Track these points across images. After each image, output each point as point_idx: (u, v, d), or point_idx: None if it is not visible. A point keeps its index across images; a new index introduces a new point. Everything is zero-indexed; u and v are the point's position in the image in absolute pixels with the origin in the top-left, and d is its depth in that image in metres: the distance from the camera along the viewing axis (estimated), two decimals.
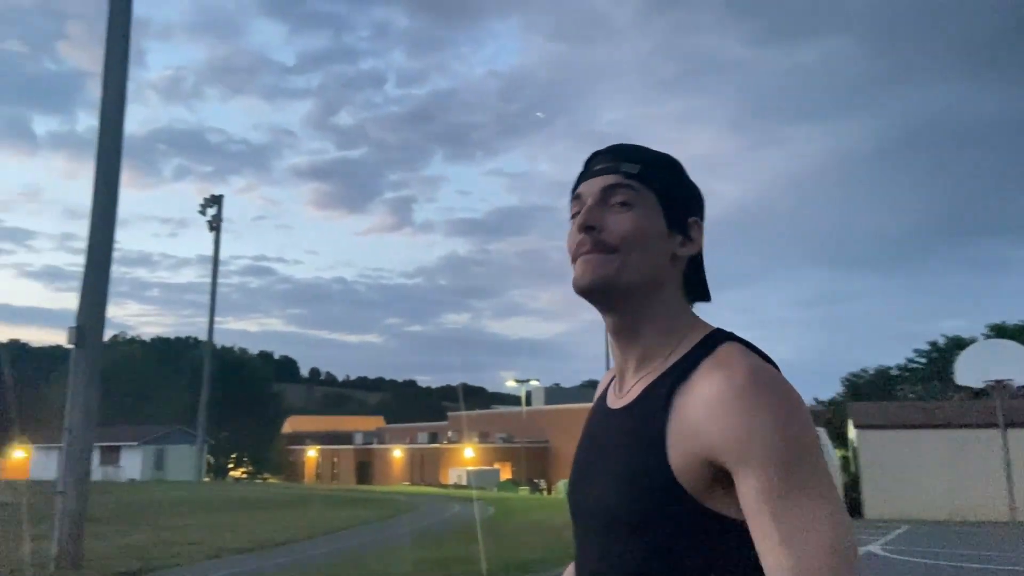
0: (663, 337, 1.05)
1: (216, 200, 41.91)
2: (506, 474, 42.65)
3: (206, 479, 44.51)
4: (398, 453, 51.12)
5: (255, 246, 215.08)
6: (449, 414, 55.90)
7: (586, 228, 1.05)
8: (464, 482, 38.46)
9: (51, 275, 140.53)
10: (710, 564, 0.92)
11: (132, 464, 46.01)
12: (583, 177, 1.12)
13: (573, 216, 1.11)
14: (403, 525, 17.57)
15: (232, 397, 58.27)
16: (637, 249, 1.04)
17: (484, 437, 46.04)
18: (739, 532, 0.90)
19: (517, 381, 48.55)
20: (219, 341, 59.65)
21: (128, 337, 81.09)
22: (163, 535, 14.05)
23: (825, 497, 0.85)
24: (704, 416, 0.91)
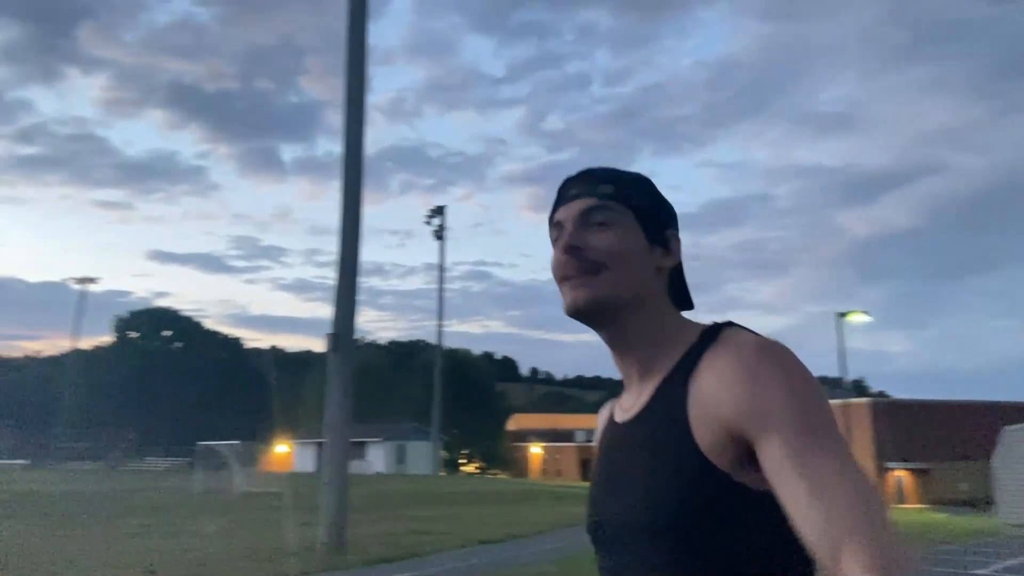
0: (661, 344, 1.07)
1: (439, 211, 44.40)
2: None
3: (441, 473, 47.14)
4: None
5: (474, 252, 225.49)
6: None
7: (570, 249, 1.08)
8: None
9: (301, 287, 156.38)
10: (750, 538, 0.94)
11: (377, 458, 49.84)
12: (559, 204, 1.15)
13: (554, 242, 1.14)
14: None
15: (461, 396, 61.37)
16: (622, 265, 1.07)
17: None
18: (771, 504, 0.90)
19: None
20: (446, 343, 63.11)
21: (367, 341, 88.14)
22: (413, 525, 14.96)
23: (843, 454, 0.87)
24: (722, 392, 0.94)
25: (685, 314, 1.13)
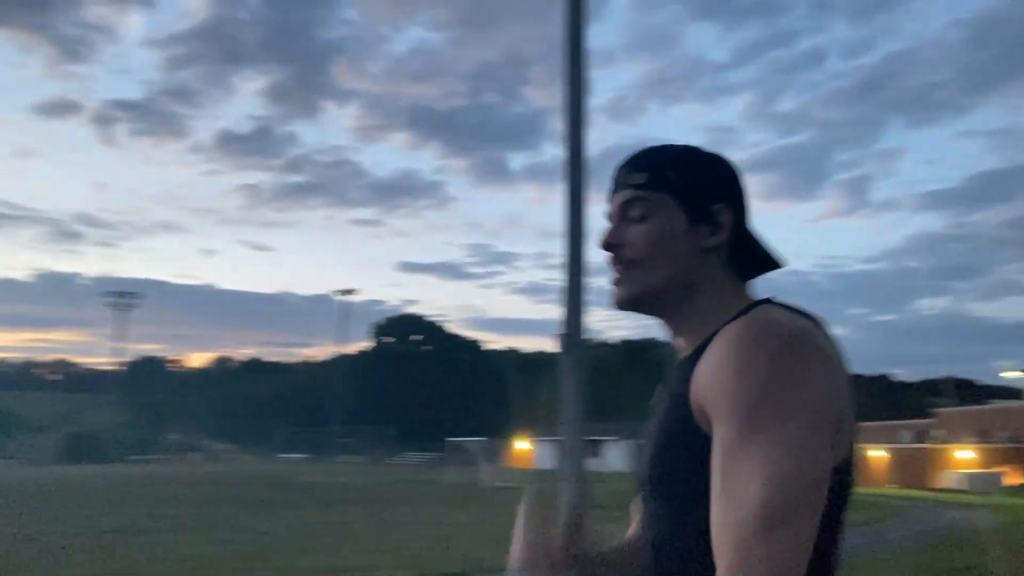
0: (713, 323, 1.02)
1: None
2: (1014, 478, 36.60)
3: None
4: (879, 453, 47.38)
5: None
6: (935, 411, 50.08)
7: (608, 247, 1.12)
8: (960, 486, 34.05)
9: (533, 290, 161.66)
10: None
11: (613, 457, 50.35)
12: (610, 197, 1.17)
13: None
14: (902, 528, 16.20)
15: None
16: (657, 257, 1.08)
17: (983, 436, 40.17)
18: None
19: (1018, 371, 41.34)
20: None
21: (599, 341, 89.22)
22: None
23: (779, 443, 0.84)
24: (703, 376, 0.95)
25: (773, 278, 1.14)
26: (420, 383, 69.87)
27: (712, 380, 0.92)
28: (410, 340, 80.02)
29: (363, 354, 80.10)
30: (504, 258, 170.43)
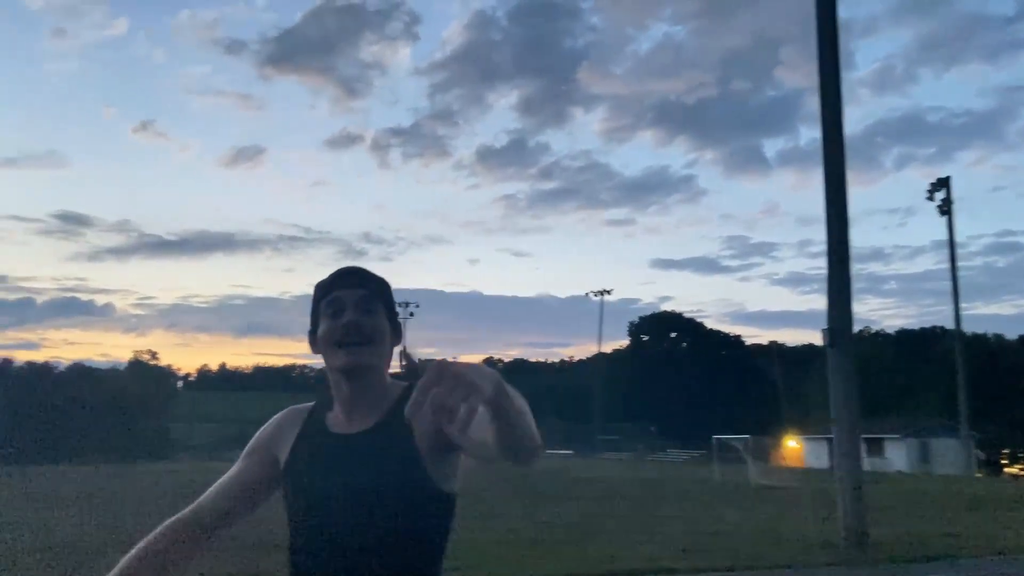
0: (384, 388, 1.58)
1: (943, 183, 39.89)
2: None
3: (978, 474, 41.97)
4: None
5: (995, 222, 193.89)
6: None
7: (352, 324, 1.54)
8: None
9: (795, 280, 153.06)
10: (430, 521, 1.50)
11: (897, 456, 46.44)
12: (340, 285, 1.60)
13: (331, 313, 1.58)
14: None
15: (991, 387, 53.63)
16: (382, 341, 1.57)
17: None
18: (447, 499, 1.52)
19: None
20: (969, 328, 55.77)
21: (873, 332, 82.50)
22: (942, 527, 14.03)
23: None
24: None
25: None
26: (679, 380, 69.37)
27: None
28: (667, 337, 79.70)
29: (621, 352, 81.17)
30: (762, 249, 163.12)
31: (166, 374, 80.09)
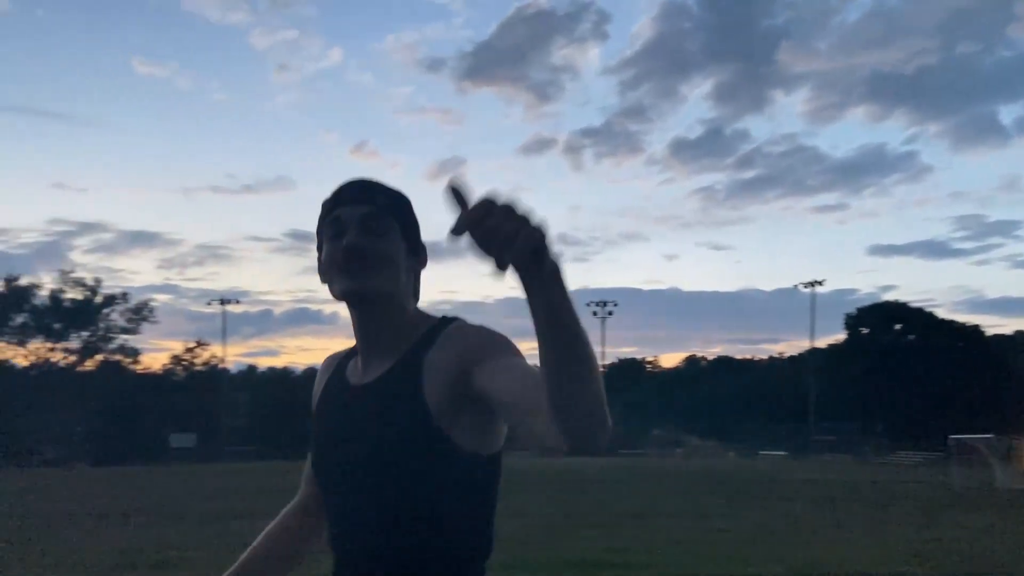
0: (402, 328, 1.34)
1: None
2: None
3: None
4: None
5: None
6: None
7: (354, 247, 1.30)
8: None
9: None
10: (451, 492, 1.25)
11: None
12: (338, 203, 1.36)
13: (332, 236, 1.35)
14: None
15: None
16: (390, 265, 1.33)
17: None
18: (478, 461, 1.27)
19: None
20: None
21: None
22: None
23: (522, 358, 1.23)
24: (452, 355, 1.26)
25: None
26: (906, 376, 63.77)
27: (467, 348, 1.26)
28: (890, 329, 73.65)
29: (836, 347, 76.13)
30: (1002, 228, 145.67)
31: None
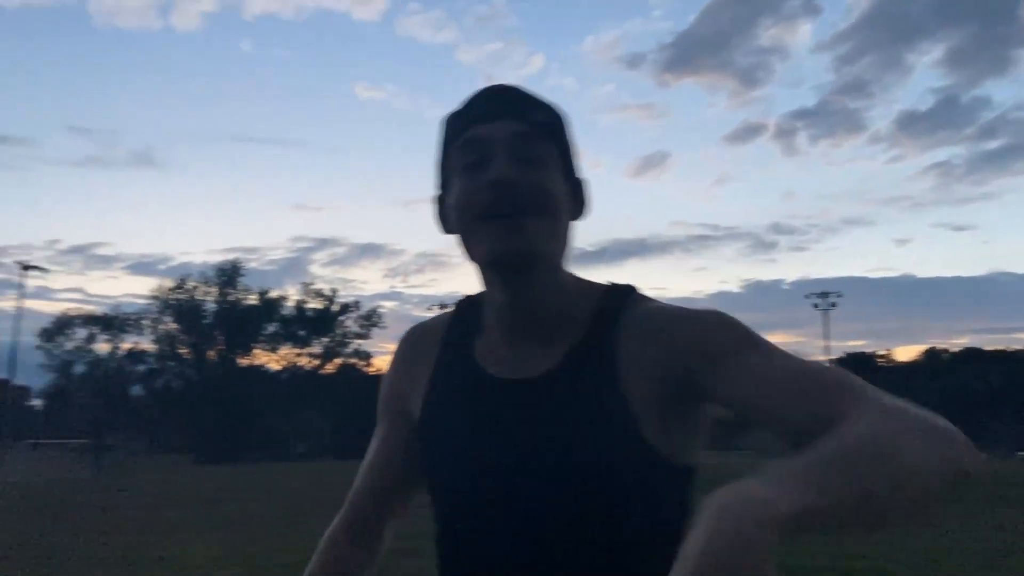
0: (564, 302, 0.98)
1: None
2: None
3: None
4: None
5: None
6: None
7: (503, 185, 0.91)
8: None
9: None
10: (662, 509, 0.91)
11: None
12: (477, 118, 0.96)
13: (469, 165, 0.95)
14: None
15: None
16: (555, 212, 0.95)
17: None
18: (681, 475, 0.93)
19: None
20: None
21: None
22: None
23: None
24: (669, 353, 0.91)
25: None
26: None
27: (702, 337, 0.91)
28: None
29: None
30: None
31: None
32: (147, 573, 7.93)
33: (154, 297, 51.32)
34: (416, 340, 1.11)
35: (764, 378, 0.84)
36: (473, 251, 0.96)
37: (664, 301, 1.00)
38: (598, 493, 0.89)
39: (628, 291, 1.00)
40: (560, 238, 0.96)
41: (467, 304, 1.08)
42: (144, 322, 50.91)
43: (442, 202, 1.02)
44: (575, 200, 1.00)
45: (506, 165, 0.92)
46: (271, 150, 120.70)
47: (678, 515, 0.90)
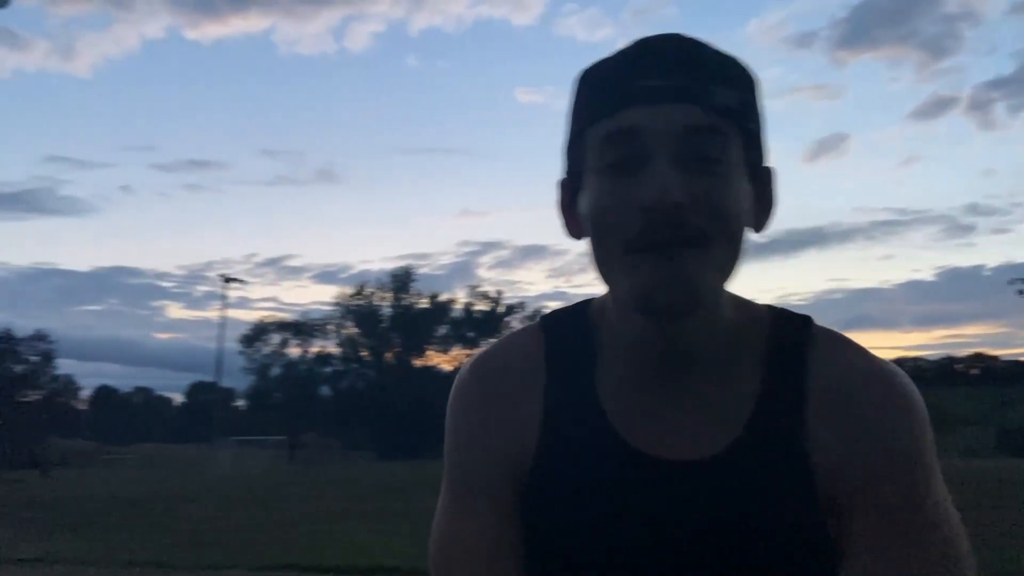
0: (725, 338, 0.75)
1: None
2: None
3: None
4: None
5: None
6: None
7: (670, 207, 0.64)
8: None
9: None
10: None
11: None
12: (631, 98, 0.67)
13: (615, 164, 0.67)
14: None
15: None
16: (734, 238, 0.69)
17: None
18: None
19: None
20: None
21: None
22: None
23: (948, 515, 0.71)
24: (843, 442, 0.71)
25: None
26: None
27: (886, 461, 0.70)
28: None
29: None
30: None
31: None
32: (334, 556, 8.63)
33: (336, 304, 54.86)
34: (496, 379, 0.80)
35: (901, 549, 0.67)
36: (614, 283, 0.72)
37: (847, 338, 0.77)
38: None
39: (803, 324, 0.78)
40: (735, 266, 0.71)
41: (561, 325, 0.81)
42: (329, 327, 54.56)
43: (572, 192, 0.75)
44: (760, 202, 0.74)
45: (671, 177, 0.65)
46: (437, 159, 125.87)
47: None
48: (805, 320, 0.78)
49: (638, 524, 0.72)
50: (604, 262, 0.71)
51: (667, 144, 0.66)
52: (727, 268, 0.70)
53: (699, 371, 0.75)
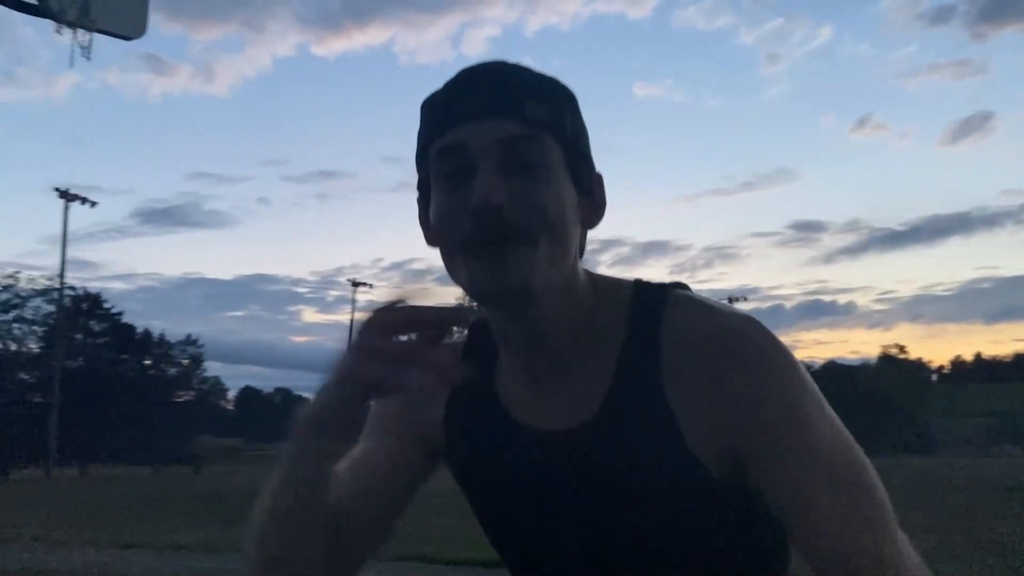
0: (582, 324, 0.82)
1: None
2: None
3: None
4: None
5: None
6: None
7: (491, 209, 0.73)
8: None
9: None
10: (756, 535, 0.82)
11: None
12: (457, 118, 0.77)
13: (448, 176, 0.77)
14: None
15: None
16: (561, 235, 0.77)
17: None
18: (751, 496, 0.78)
19: None
20: None
21: None
22: None
23: (841, 438, 0.76)
24: (717, 405, 0.76)
25: None
26: None
27: (756, 417, 0.75)
28: None
29: None
30: None
31: (918, 367, 78.36)
32: (463, 549, 8.72)
33: (459, 303, 56.17)
34: None
35: (806, 502, 0.72)
36: (458, 282, 0.80)
37: (702, 299, 0.82)
38: (689, 545, 0.81)
39: (659, 291, 0.84)
40: (566, 258, 0.79)
41: (481, 324, 0.91)
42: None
43: (424, 206, 0.83)
44: (590, 202, 0.83)
45: (493, 183, 0.73)
46: None
47: (767, 532, 0.82)
48: (662, 287, 0.85)
49: (533, 491, 0.84)
50: (449, 264, 0.80)
51: (490, 154, 0.75)
52: (558, 261, 0.77)
53: (567, 349, 0.83)
